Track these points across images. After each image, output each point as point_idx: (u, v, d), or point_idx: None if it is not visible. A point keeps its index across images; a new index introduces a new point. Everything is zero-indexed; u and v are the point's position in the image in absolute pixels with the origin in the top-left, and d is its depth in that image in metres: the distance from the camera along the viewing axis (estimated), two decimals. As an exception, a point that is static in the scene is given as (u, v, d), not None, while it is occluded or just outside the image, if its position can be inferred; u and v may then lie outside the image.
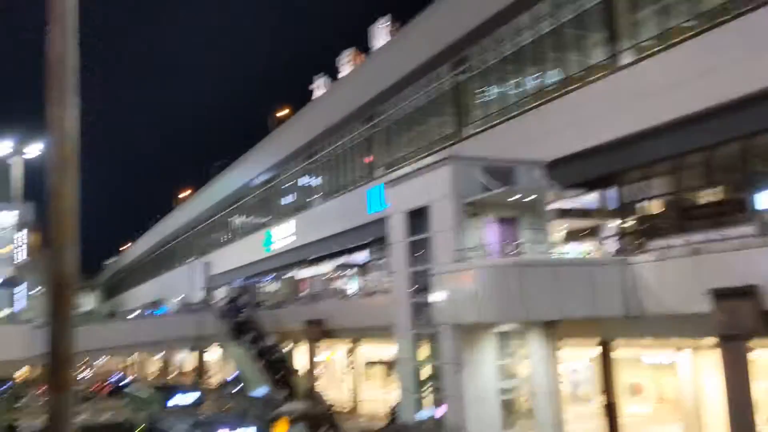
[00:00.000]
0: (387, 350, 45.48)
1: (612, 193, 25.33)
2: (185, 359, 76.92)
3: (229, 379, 53.98)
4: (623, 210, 24.59)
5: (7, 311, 51.28)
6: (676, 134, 21.88)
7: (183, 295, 58.23)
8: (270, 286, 52.74)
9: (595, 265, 17.85)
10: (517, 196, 18.73)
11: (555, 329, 18.94)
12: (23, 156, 45.11)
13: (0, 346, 25.59)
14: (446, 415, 19.00)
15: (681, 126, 21.61)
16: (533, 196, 18.94)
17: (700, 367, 27.03)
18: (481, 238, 18.55)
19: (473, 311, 17.19)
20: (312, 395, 30.61)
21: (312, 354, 35.49)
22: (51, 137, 11.18)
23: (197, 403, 35.11)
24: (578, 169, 25.13)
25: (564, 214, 25.88)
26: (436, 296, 18.53)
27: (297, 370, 32.32)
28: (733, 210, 20.55)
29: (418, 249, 20.68)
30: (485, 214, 18.85)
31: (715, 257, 15.68)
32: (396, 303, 21.47)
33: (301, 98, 47.66)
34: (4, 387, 43.74)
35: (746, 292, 13.69)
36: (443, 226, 18.95)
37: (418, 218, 20.51)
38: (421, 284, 20.66)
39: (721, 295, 13.96)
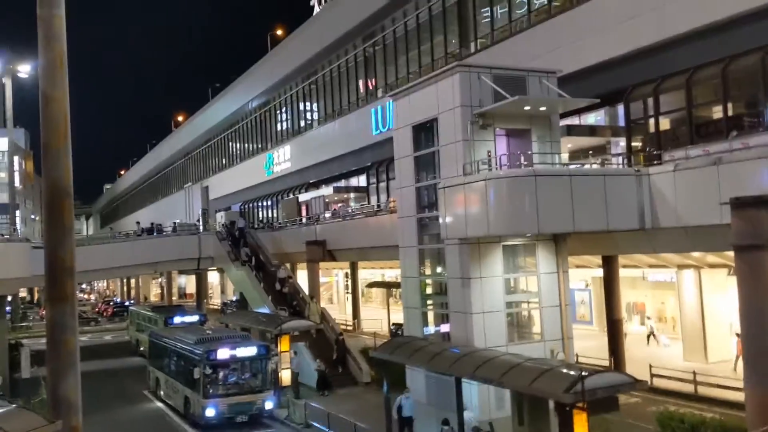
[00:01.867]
0: (387, 272, 45.89)
1: (620, 110, 24.73)
2: (186, 283, 77.63)
3: (230, 300, 54.40)
4: (632, 127, 24.01)
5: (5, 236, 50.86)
6: (692, 46, 21.09)
7: (178, 220, 57.89)
8: (270, 209, 52.47)
9: (610, 177, 17.32)
10: (530, 107, 18.02)
11: (564, 243, 18.61)
12: (18, 74, 43.69)
13: (-1, 264, 25.27)
14: (452, 330, 18.89)
15: (697, 37, 20.80)
16: (546, 106, 18.24)
17: (703, 286, 27.10)
18: (491, 150, 17.96)
19: (483, 224, 16.79)
20: (324, 320, 30.68)
21: (313, 275, 35.42)
22: (39, 39, 10.38)
23: (200, 323, 35.33)
24: (587, 86, 24.37)
25: (571, 131, 25.26)
26: (443, 211, 18.10)
27: (310, 298, 32.16)
28: (750, 124, 19.98)
29: (425, 164, 20.14)
30: (495, 126, 18.21)
31: (735, 166, 15.20)
32: (402, 220, 21.08)
33: (302, 15, 46.08)
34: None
35: (768, 201, 13.26)
36: (452, 138, 18.34)
37: (425, 132, 19.89)
38: (428, 200, 20.24)
39: (742, 204, 13.52)
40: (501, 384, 14.39)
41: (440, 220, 18.36)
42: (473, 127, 17.87)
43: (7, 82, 43.93)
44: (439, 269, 20.11)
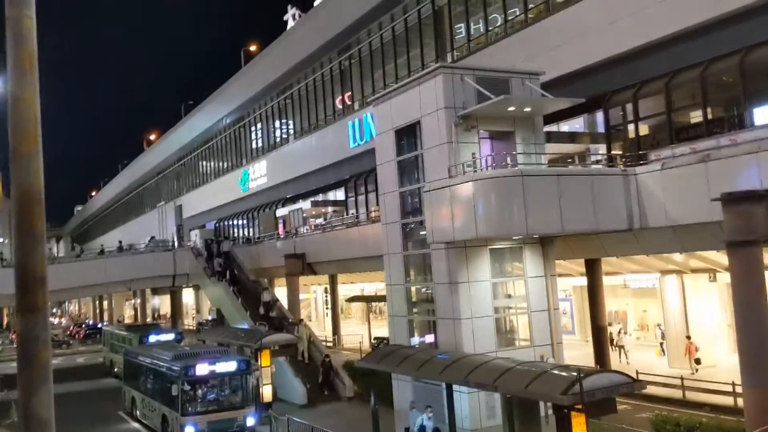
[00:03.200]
0: (366, 286, 45.31)
1: (599, 116, 24.65)
2: (160, 304, 76.07)
3: (205, 320, 53.27)
4: (612, 132, 23.92)
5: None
6: (671, 50, 21.09)
7: (152, 236, 56.77)
8: (246, 227, 51.67)
9: (597, 177, 17.10)
10: (514, 107, 17.78)
11: (552, 246, 18.32)
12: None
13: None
14: (440, 337, 18.44)
15: (676, 41, 20.81)
16: (530, 106, 18.03)
17: (686, 291, 27.03)
18: (476, 153, 17.66)
19: (470, 227, 16.42)
20: (312, 344, 30.04)
21: (293, 290, 34.72)
22: (8, 40, 9.87)
23: (176, 340, 34.37)
24: (565, 93, 24.25)
25: (551, 137, 25.09)
26: (429, 215, 17.72)
27: (298, 321, 31.22)
28: (730, 128, 19.94)
29: (409, 169, 19.79)
30: (479, 128, 17.94)
31: (725, 163, 15.06)
32: (386, 226, 20.66)
33: (276, 30, 45.71)
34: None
35: (761, 196, 13.08)
36: (435, 141, 18.02)
37: (407, 136, 19.56)
38: (412, 205, 19.86)
39: (734, 199, 13.33)
40: (495, 388, 13.94)
41: (426, 225, 17.97)
42: (457, 130, 17.59)
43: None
44: (424, 276, 19.68)
